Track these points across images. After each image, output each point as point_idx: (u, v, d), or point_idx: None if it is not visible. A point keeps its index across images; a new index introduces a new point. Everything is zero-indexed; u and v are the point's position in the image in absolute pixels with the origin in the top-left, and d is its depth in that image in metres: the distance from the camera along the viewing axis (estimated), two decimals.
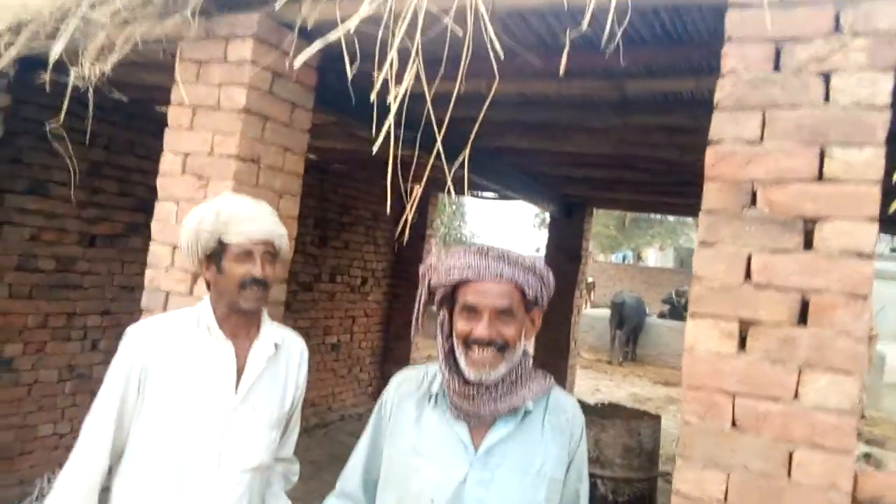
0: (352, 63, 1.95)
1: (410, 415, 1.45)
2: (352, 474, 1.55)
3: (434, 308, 1.51)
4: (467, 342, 1.38)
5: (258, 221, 1.69)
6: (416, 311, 1.50)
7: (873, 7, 1.68)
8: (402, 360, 7.84)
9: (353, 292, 7.68)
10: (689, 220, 21.07)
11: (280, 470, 1.83)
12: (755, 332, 1.76)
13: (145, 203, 4.88)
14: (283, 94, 2.67)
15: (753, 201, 1.78)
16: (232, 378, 1.67)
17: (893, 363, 11.98)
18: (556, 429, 1.45)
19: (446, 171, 1.81)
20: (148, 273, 2.72)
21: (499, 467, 1.38)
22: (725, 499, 1.75)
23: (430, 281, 1.45)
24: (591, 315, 15.72)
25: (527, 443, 1.41)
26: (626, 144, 4.11)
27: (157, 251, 2.72)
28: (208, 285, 1.77)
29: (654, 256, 32.52)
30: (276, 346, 1.75)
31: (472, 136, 1.96)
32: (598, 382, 10.90)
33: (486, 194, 7.56)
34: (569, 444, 1.47)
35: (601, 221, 24.10)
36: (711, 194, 1.83)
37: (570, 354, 7.82)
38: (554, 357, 7.67)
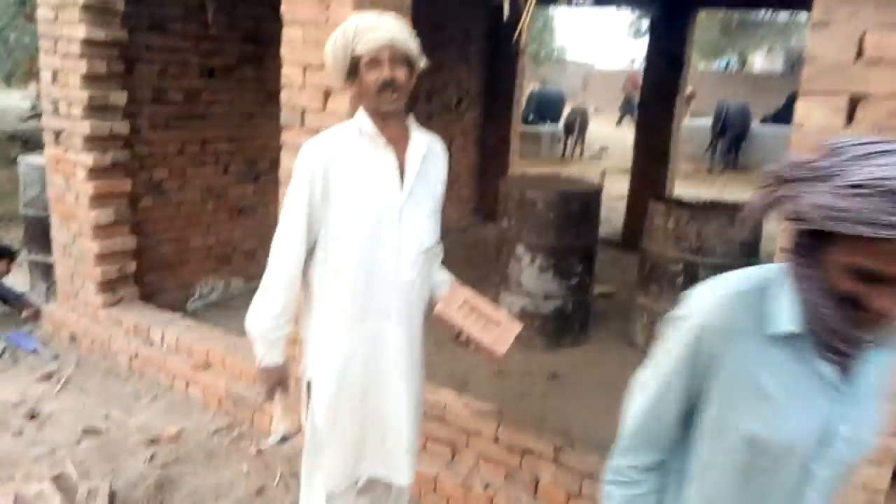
0: None
1: (747, 352, 1.12)
2: (657, 423, 1.23)
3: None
4: (857, 305, 1.01)
5: (380, 29, 1.85)
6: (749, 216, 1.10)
7: None
8: (499, 177, 8.08)
9: (449, 112, 7.83)
10: (804, 17, 19.23)
11: (435, 251, 2.16)
12: (864, 105, 1.85)
13: (252, 34, 5.12)
14: None
15: None
16: (397, 178, 1.94)
17: None
18: None
19: None
20: (283, 93, 2.99)
21: (863, 404, 1.14)
22: None
23: (786, 203, 1.01)
24: (690, 125, 15.23)
25: (882, 368, 1.16)
26: None
27: (289, 72, 2.97)
28: (359, 99, 1.98)
29: (760, 62, 30.20)
30: (427, 146, 2.00)
31: None
32: (697, 191, 10.83)
33: (581, 2, 7.27)
34: None
35: (703, 25, 22.30)
36: None
37: (668, 162, 7.78)
38: (653, 165, 7.70)
